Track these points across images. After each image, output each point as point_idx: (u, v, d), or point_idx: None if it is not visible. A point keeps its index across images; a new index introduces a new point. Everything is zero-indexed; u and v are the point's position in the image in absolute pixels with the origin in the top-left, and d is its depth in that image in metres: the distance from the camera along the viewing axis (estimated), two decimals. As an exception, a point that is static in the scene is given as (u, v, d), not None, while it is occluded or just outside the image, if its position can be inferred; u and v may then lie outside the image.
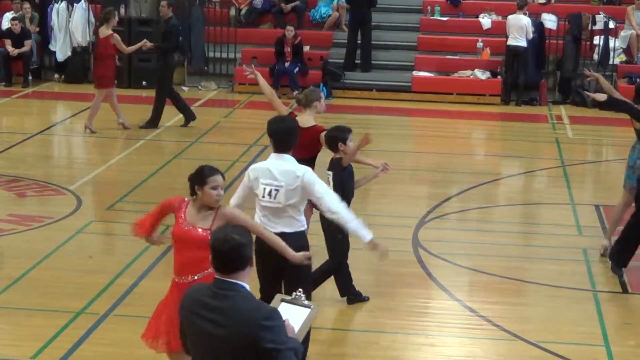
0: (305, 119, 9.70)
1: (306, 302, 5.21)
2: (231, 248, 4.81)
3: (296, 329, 5.02)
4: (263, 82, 10.45)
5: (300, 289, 5.28)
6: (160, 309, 7.05)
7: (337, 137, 9.39)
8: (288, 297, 5.24)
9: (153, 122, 17.29)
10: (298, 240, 7.52)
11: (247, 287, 4.84)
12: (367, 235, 7.61)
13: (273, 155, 7.63)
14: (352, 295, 9.65)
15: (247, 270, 4.85)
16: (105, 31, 16.85)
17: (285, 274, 7.62)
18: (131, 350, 8.28)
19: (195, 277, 6.76)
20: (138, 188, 13.61)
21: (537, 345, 8.81)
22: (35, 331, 8.73)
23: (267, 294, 7.61)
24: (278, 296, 5.30)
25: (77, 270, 10.30)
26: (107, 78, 17.01)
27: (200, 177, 6.93)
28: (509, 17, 20.80)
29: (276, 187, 7.53)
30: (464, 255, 11.26)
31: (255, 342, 4.67)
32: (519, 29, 20.52)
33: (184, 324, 5.00)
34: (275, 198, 7.53)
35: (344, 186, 9.28)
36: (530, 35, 20.58)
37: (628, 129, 19.16)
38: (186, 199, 7.02)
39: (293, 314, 5.11)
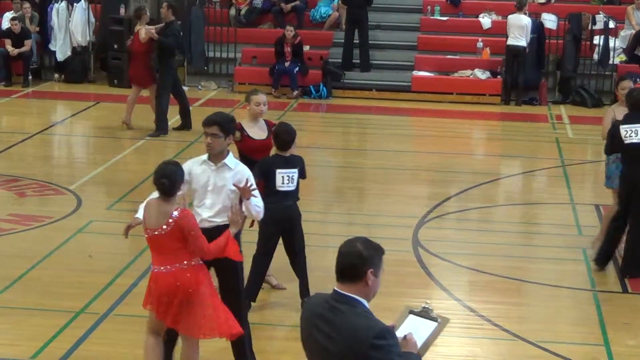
0: (243, 121, 9.73)
1: (434, 315, 5.06)
2: (353, 255, 4.78)
3: (419, 343, 4.91)
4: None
5: (428, 300, 5.19)
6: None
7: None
8: (416, 309, 5.11)
9: (162, 128, 17.12)
10: None
11: (365, 303, 4.80)
12: None
13: None
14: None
15: (367, 288, 4.84)
16: (139, 29, 16.98)
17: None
18: (131, 350, 8.29)
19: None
20: (138, 188, 13.61)
21: (537, 345, 8.82)
22: (35, 331, 8.74)
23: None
24: (406, 307, 5.19)
25: (77, 270, 10.31)
26: (143, 77, 17.05)
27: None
28: (509, 17, 20.80)
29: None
30: (464, 255, 11.26)
31: None
32: (519, 29, 20.52)
33: (302, 332, 4.94)
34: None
35: None
36: (529, 36, 20.59)
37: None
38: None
39: (419, 327, 5.00)
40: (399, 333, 4.90)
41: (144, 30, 16.89)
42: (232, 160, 7.84)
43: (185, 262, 7.22)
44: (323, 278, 9.67)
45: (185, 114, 17.35)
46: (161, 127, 16.91)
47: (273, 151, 9.45)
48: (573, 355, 8.65)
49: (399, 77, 21.53)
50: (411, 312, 5.10)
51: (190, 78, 21.96)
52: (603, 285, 10.47)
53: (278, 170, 9.14)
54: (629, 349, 8.91)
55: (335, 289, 4.78)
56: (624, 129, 10.40)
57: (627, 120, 10.49)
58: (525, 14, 20.81)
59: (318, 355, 4.79)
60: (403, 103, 20.79)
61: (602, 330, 9.24)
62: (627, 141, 10.39)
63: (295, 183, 9.24)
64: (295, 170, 9.23)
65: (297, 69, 20.95)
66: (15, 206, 12.76)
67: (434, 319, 5.03)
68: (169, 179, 7.14)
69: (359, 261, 4.75)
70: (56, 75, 22.33)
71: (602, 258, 10.80)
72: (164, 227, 7.15)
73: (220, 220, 7.73)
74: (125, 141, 16.64)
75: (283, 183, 9.17)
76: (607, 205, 13.38)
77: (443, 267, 10.86)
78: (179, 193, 7.41)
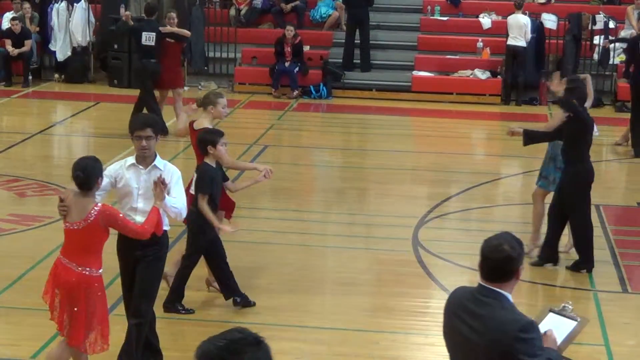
0: (199, 122, 9.76)
1: (574, 315, 5.17)
2: (501, 259, 4.87)
3: (559, 341, 5.01)
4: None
5: (569, 301, 5.29)
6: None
7: (206, 140, 9.21)
8: (556, 308, 5.22)
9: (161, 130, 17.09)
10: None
11: (510, 297, 4.90)
12: None
13: None
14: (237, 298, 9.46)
15: (513, 282, 4.92)
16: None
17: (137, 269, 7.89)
18: (131, 350, 8.27)
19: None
20: (138, 188, 13.60)
21: (537, 345, 8.81)
22: (35, 331, 8.73)
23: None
24: (546, 306, 5.30)
25: (77, 270, 10.29)
26: (177, 79, 17.17)
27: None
28: (509, 17, 20.80)
29: None
30: (464, 255, 11.25)
31: (510, 353, 4.73)
32: (519, 29, 20.52)
33: (445, 324, 5.12)
34: None
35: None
36: (529, 36, 20.58)
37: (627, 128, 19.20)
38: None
39: (559, 325, 5.10)
40: (540, 329, 5.01)
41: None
42: (160, 161, 7.79)
43: (88, 268, 7.25)
44: (322, 277, 9.71)
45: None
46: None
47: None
48: (573, 356, 8.59)
49: (399, 77, 21.53)
50: (551, 310, 5.23)
51: (190, 78, 21.96)
52: (603, 285, 10.47)
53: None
54: (629, 349, 8.91)
55: (481, 283, 4.94)
56: None
57: None
58: (524, 13, 20.82)
59: (461, 346, 4.97)
60: (403, 103, 20.79)
61: (602, 330, 9.23)
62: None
63: (193, 189, 9.26)
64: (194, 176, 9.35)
65: (297, 69, 20.95)
66: (15, 206, 12.76)
67: (573, 318, 5.16)
68: (84, 172, 7.13)
69: (508, 264, 4.89)
70: (56, 75, 22.33)
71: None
72: (81, 222, 7.16)
73: None
74: (125, 141, 16.60)
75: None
76: (607, 205, 13.41)
77: (443, 267, 10.86)
78: (99, 192, 7.40)
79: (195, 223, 9.20)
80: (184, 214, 7.92)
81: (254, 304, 9.43)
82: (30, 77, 21.75)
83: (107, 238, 7.38)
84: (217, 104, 9.71)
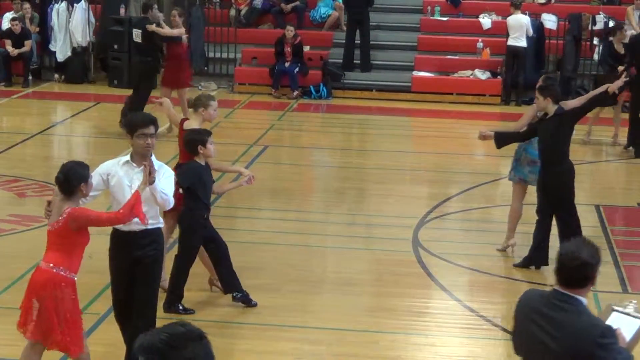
0: (189, 122, 9.82)
1: (638, 313, 5.15)
2: (579, 266, 4.90)
3: (627, 339, 5.01)
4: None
5: (633, 300, 5.27)
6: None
7: (195, 139, 9.24)
8: (619, 307, 5.20)
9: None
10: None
11: (586, 302, 4.92)
12: None
13: None
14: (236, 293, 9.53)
15: (588, 288, 4.95)
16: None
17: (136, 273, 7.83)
18: (131, 350, 8.28)
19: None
20: (138, 188, 13.61)
21: (537, 345, 8.81)
22: (35, 331, 8.71)
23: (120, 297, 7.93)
24: (609, 305, 5.28)
25: (77, 270, 10.29)
26: (185, 78, 17.06)
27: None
28: (509, 17, 20.79)
29: None
30: (464, 255, 11.26)
31: (590, 359, 4.76)
32: (520, 29, 20.53)
33: (517, 327, 5.11)
34: None
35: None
36: (530, 32, 20.60)
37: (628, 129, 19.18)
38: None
39: (624, 324, 5.09)
40: None
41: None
42: (156, 161, 7.78)
43: (62, 268, 7.29)
44: (322, 277, 9.71)
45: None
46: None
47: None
48: (573, 355, 8.65)
49: (399, 77, 21.53)
50: (614, 309, 5.21)
51: (190, 78, 21.96)
52: (603, 285, 10.45)
53: None
54: (629, 349, 8.91)
55: (557, 288, 4.93)
56: None
57: None
58: (524, 13, 20.83)
59: (536, 350, 4.95)
60: (403, 103, 20.79)
61: (602, 330, 9.23)
62: None
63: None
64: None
65: (297, 69, 20.95)
66: (15, 206, 12.76)
67: (638, 317, 5.14)
68: (64, 175, 7.17)
69: (585, 270, 4.92)
70: (56, 76, 22.33)
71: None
72: (55, 224, 7.27)
73: (150, 222, 7.70)
74: (125, 141, 16.59)
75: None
76: (607, 205, 13.41)
77: (443, 267, 10.86)
78: (88, 196, 7.42)
79: (185, 223, 9.24)
80: (171, 203, 7.88)
81: (255, 304, 9.44)
82: (30, 78, 21.75)
83: (87, 242, 7.34)
84: (208, 106, 9.76)
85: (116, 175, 7.75)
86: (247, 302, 9.43)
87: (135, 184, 7.60)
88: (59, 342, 7.33)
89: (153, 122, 7.77)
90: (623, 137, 17.11)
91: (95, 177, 7.58)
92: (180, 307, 9.28)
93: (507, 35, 20.79)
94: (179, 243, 9.41)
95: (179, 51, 17.07)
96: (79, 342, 7.35)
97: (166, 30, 16.98)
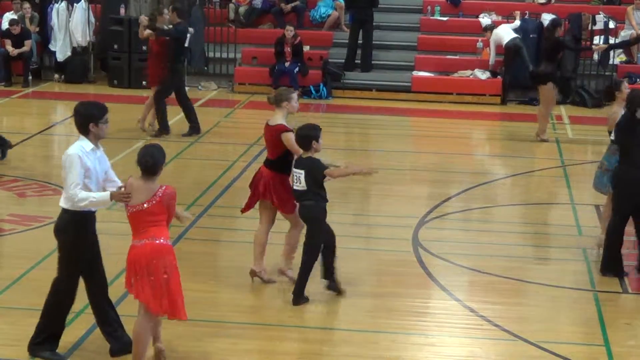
0: (274, 118, 9.96)
1: None
2: None
3: None
4: None
5: None
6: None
7: (310, 135, 9.42)
8: None
9: (165, 129, 17.08)
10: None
11: None
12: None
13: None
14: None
15: None
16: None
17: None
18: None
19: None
20: (138, 188, 13.60)
21: (537, 345, 8.82)
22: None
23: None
24: None
25: (77, 270, 10.28)
26: (152, 77, 16.90)
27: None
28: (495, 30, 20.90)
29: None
30: (464, 255, 11.26)
31: None
32: (510, 31, 20.71)
33: None
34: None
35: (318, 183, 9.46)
36: (517, 23, 20.79)
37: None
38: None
39: None
40: None
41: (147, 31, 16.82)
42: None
43: (158, 239, 7.74)
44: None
45: (192, 119, 17.23)
46: (164, 127, 16.94)
47: None
48: (573, 355, 8.65)
49: (399, 77, 21.54)
50: None
51: (190, 78, 21.94)
52: (603, 285, 10.47)
53: (293, 170, 9.54)
54: (629, 349, 8.91)
55: None
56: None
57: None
58: (524, 14, 20.94)
59: None
60: (403, 103, 20.80)
61: (602, 330, 9.24)
62: None
63: (303, 183, 9.39)
64: (302, 171, 9.38)
65: (297, 69, 20.96)
66: (15, 206, 12.76)
67: None
68: (153, 159, 7.77)
69: None
70: (56, 76, 22.33)
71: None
72: (146, 204, 7.69)
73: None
74: (125, 141, 16.62)
75: (293, 182, 9.52)
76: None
77: (443, 267, 10.86)
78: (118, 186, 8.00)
79: (314, 214, 9.46)
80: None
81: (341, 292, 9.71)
82: (30, 77, 21.75)
83: (171, 216, 7.91)
84: (290, 99, 9.88)
85: (88, 162, 8.33)
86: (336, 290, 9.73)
87: (98, 166, 8.27)
88: (180, 309, 7.80)
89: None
90: None
91: (81, 171, 8.17)
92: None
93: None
94: (307, 239, 9.55)
95: (155, 49, 16.86)
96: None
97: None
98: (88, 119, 8.40)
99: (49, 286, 8.39)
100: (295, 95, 10.05)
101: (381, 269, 10.79)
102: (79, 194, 7.91)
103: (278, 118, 9.92)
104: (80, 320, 8.99)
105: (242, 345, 8.58)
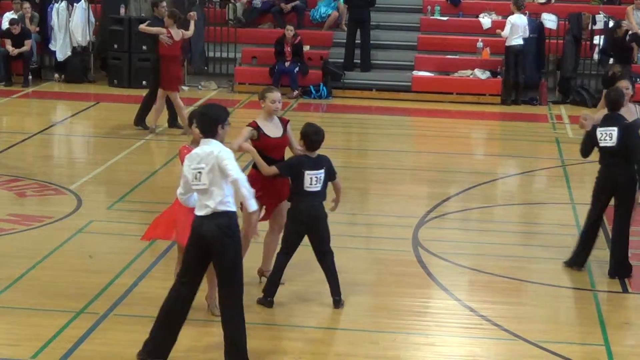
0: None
1: None
2: None
3: None
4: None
5: None
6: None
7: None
8: None
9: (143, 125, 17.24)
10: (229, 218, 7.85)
11: None
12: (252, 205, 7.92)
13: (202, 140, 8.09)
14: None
15: None
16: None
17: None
18: (131, 350, 8.29)
19: None
20: (138, 188, 13.62)
21: (537, 345, 8.82)
22: (35, 331, 8.73)
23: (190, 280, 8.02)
24: None
25: (77, 270, 10.30)
26: (166, 80, 16.74)
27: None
28: (514, 16, 20.73)
29: (199, 170, 7.89)
30: (464, 255, 11.26)
31: None
32: (524, 29, 20.63)
33: None
34: (200, 180, 7.89)
35: None
36: (527, 34, 20.72)
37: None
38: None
39: None
40: None
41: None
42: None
43: None
44: (322, 277, 9.70)
45: (142, 117, 17.35)
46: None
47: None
48: (573, 355, 8.65)
49: (399, 77, 21.54)
50: None
51: (190, 78, 21.97)
52: (603, 285, 10.47)
53: (307, 172, 9.28)
54: (629, 349, 8.91)
55: None
56: (599, 132, 10.46)
57: (604, 122, 10.54)
58: (524, 14, 20.90)
59: None
60: (403, 103, 20.80)
61: (602, 330, 9.24)
62: (601, 144, 10.48)
63: (321, 184, 9.36)
64: (322, 171, 9.36)
65: (297, 69, 20.96)
66: (15, 206, 12.76)
67: None
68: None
69: None
70: (56, 75, 22.33)
71: (581, 259, 10.83)
72: None
73: None
74: (125, 141, 16.63)
75: (311, 184, 9.30)
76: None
77: (443, 267, 10.85)
78: None
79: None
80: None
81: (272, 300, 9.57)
82: (30, 77, 21.75)
83: None
84: (265, 98, 9.88)
85: None
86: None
87: None
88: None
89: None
90: None
91: None
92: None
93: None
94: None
95: (163, 51, 16.82)
96: None
97: (146, 28, 16.95)
98: (217, 121, 8.10)
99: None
100: (272, 94, 9.78)
101: (381, 269, 10.79)
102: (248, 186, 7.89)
103: (260, 117, 9.82)
104: (81, 320, 9.00)
105: (242, 345, 8.56)
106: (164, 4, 17.41)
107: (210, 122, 8.05)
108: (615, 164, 10.45)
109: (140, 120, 17.20)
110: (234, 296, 7.97)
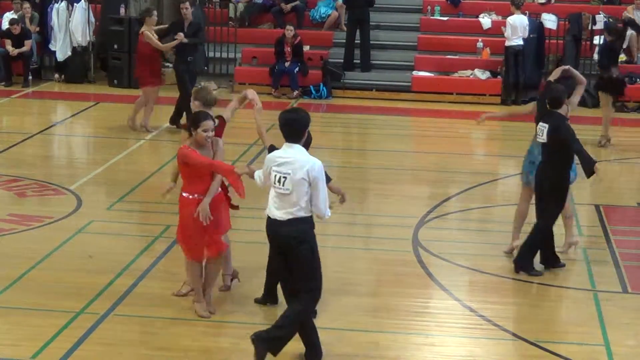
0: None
1: None
2: None
3: None
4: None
5: None
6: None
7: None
8: None
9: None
10: (305, 223, 8.10)
11: None
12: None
13: (285, 144, 8.11)
14: None
15: None
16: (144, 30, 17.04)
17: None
18: (131, 350, 8.29)
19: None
20: (138, 188, 13.61)
21: (537, 345, 8.82)
22: (35, 331, 8.74)
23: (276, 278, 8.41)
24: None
25: (77, 270, 10.30)
26: (142, 77, 17.14)
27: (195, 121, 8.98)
28: (511, 17, 20.74)
29: (284, 175, 8.02)
30: (464, 255, 11.26)
31: None
32: (523, 29, 20.61)
33: None
34: (283, 185, 8.04)
35: None
36: (526, 34, 20.71)
37: (629, 128, 19.25)
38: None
39: None
40: None
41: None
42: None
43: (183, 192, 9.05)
44: (322, 277, 9.70)
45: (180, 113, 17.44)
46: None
47: None
48: (573, 355, 8.66)
49: (399, 77, 21.54)
50: None
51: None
52: (603, 285, 10.47)
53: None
54: (629, 349, 8.92)
55: None
56: (539, 127, 10.63)
57: (543, 118, 10.68)
58: (524, 13, 20.89)
59: None
60: (403, 103, 20.80)
61: (602, 330, 9.24)
62: (538, 139, 10.62)
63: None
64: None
65: (297, 69, 20.96)
66: (15, 206, 12.76)
67: None
68: None
69: None
70: (56, 75, 22.33)
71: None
72: None
73: None
74: (125, 141, 16.63)
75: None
76: (607, 205, 13.41)
77: (443, 267, 10.86)
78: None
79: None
80: None
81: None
82: (30, 77, 21.74)
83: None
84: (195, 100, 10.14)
85: None
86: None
87: None
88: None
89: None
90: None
91: None
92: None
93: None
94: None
95: (149, 52, 17.04)
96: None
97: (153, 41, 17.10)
98: (306, 126, 8.11)
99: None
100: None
101: (381, 269, 10.79)
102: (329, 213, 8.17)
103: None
104: (81, 320, 9.00)
105: (242, 345, 8.57)
106: (155, 13, 17.56)
107: (299, 126, 8.06)
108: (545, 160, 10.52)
109: (175, 121, 17.33)
110: (307, 297, 8.17)
